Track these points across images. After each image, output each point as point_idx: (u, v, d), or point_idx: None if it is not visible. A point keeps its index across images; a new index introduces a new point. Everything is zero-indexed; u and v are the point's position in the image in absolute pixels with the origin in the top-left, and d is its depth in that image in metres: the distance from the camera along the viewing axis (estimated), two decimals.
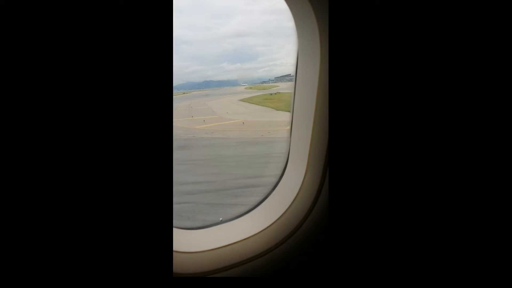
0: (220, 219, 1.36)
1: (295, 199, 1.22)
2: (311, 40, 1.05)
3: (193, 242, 1.21)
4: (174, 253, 1.10)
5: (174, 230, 1.20)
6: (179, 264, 1.10)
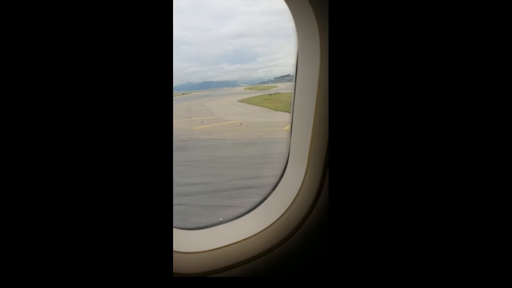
0: (220, 219, 1.36)
1: (295, 199, 1.22)
2: (311, 40, 1.06)
3: (193, 242, 1.21)
4: (174, 253, 1.10)
5: (174, 230, 1.20)
6: (179, 264, 1.10)
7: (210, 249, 1.16)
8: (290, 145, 1.33)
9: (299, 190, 1.22)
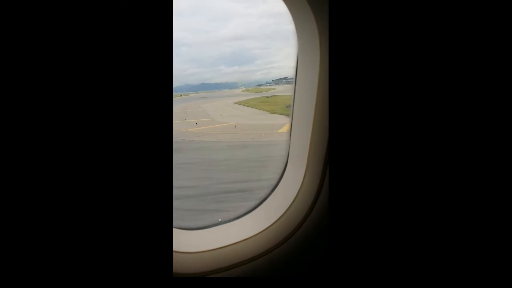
0: (220, 219, 1.35)
1: (295, 199, 1.23)
2: (311, 41, 1.07)
3: (193, 242, 1.21)
4: (174, 253, 1.09)
5: (174, 230, 1.19)
6: (179, 264, 1.09)
7: (210, 249, 1.16)
8: (290, 145, 1.33)
9: (299, 190, 1.22)
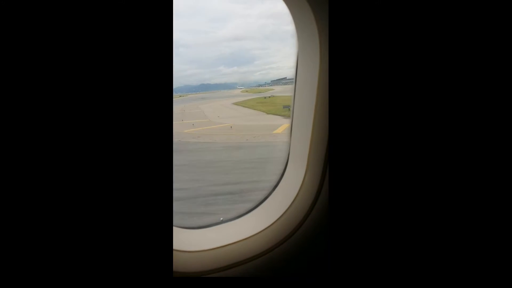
0: (221, 218, 1.35)
1: (295, 199, 1.23)
2: (311, 41, 1.07)
3: (194, 241, 1.20)
4: (174, 252, 1.09)
5: (175, 229, 1.18)
6: (179, 263, 1.09)
7: (210, 248, 1.15)
8: (290, 145, 1.34)
9: (299, 190, 1.22)
